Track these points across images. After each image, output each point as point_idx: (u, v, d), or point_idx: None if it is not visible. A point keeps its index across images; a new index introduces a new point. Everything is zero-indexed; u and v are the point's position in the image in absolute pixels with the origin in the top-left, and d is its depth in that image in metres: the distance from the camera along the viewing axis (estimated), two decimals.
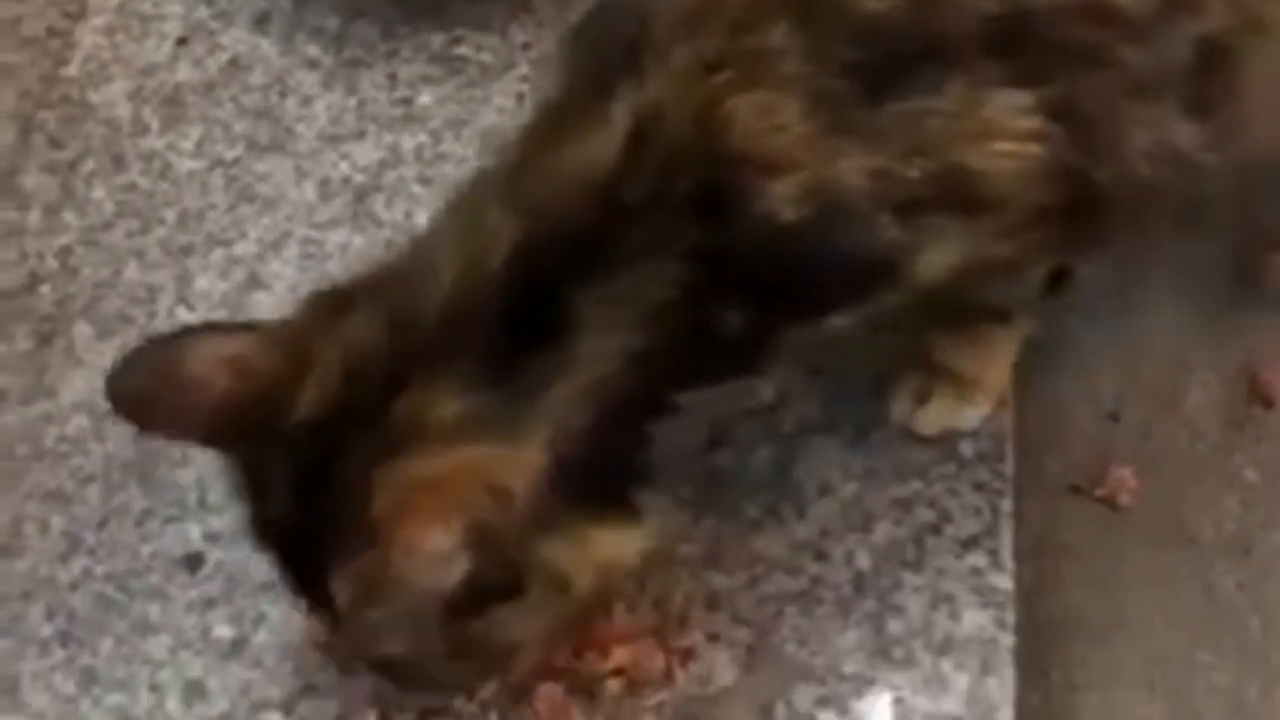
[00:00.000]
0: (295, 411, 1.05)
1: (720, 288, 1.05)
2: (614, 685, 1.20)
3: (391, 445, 1.02)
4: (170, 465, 1.34)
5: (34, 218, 1.50)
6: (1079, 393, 1.40)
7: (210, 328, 1.13)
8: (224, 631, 1.26)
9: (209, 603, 1.27)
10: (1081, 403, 1.40)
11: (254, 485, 1.08)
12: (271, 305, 1.41)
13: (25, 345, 1.42)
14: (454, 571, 1.00)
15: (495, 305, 1.04)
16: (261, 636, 1.25)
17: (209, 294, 1.43)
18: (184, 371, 1.07)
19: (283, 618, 1.25)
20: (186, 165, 1.52)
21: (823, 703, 1.19)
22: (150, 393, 1.08)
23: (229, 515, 1.29)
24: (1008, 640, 1.20)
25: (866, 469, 1.29)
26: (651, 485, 1.12)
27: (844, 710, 1.18)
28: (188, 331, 1.12)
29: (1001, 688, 1.18)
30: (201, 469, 1.33)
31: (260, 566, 1.23)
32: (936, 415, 1.27)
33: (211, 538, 1.30)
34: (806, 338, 1.12)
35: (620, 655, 1.20)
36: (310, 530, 1.05)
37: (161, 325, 1.41)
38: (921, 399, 1.28)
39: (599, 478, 1.08)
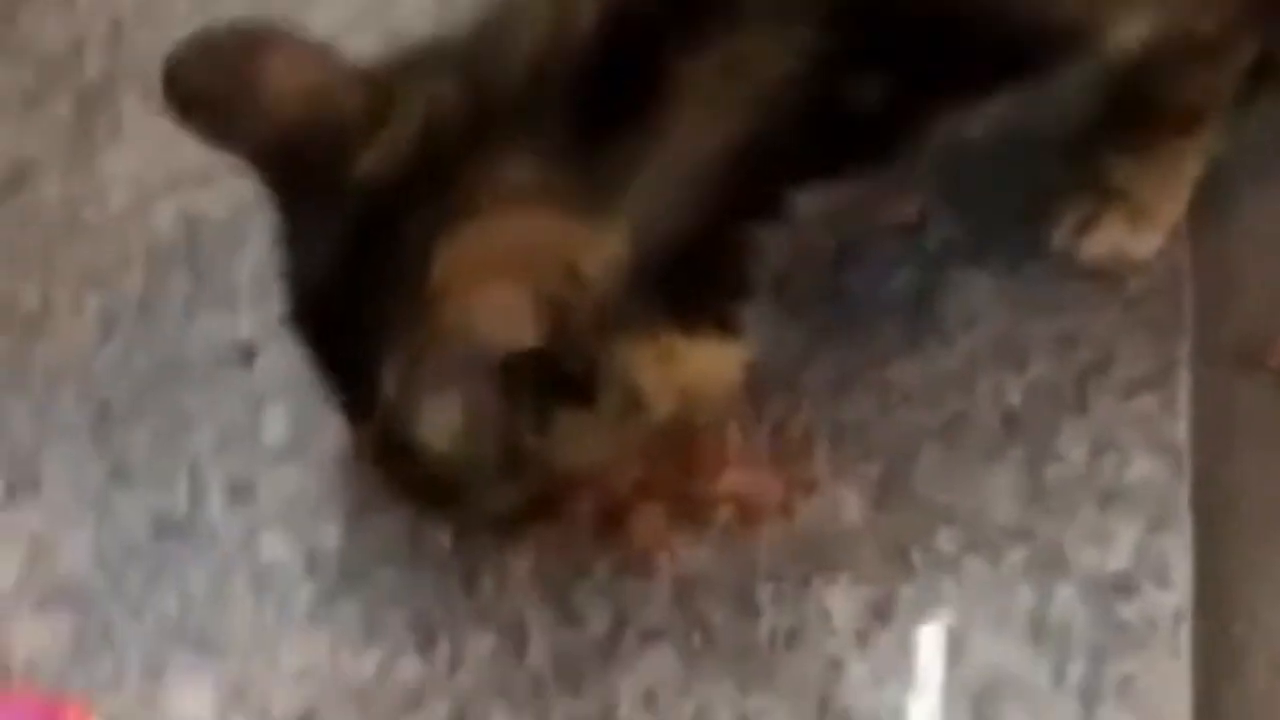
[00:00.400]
0: (363, 162, 0.90)
1: (861, 57, 0.89)
2: (724, 514, 1.04)
3: (461, 209, 0.88)
4: (224, 250, 1.18)
5: None
6: (1253, 251, 1.24)
7: (291, 41, 0.96)
8: (279, 430, 1.10)
9: (263, 398, 1.11)
10: (1256, 263, 1.23)
11: (298, 239, 0.94)
12: None
13: (65, 113, 1.26)
14: (521, 332, 0.86)
15: (584, 69, 0.90)
16: (324, 441, 1.09)
17: None
18: (257, 79, 0.92)
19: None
20: None
21: (970, 547, 1.02)
22: (212, 89, 0.94)
23: None
24: (1184, 492, 1.04)
25: (1020, 301, 1.13)
26: (757, 302, 0.96)
27: (995, 558, 1.02)
28: (268, 34, 0.95)
29: (1177, 543, 1.02)
30: (258, 256, 1.17)
31: None
32: (1104, 243, 1.12)
33: (269, 329, 1.14)
34: (957, 127, 0.96)
35: (733, 480, 1.04)
36: (357, 305, 0.91)
37: None
38: (1087, 225, 1.12)
39: (692, 285, 0.93)
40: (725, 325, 0.96)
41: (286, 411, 1.10)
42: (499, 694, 0.99)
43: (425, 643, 1.01)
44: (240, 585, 1.04)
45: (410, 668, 1.00)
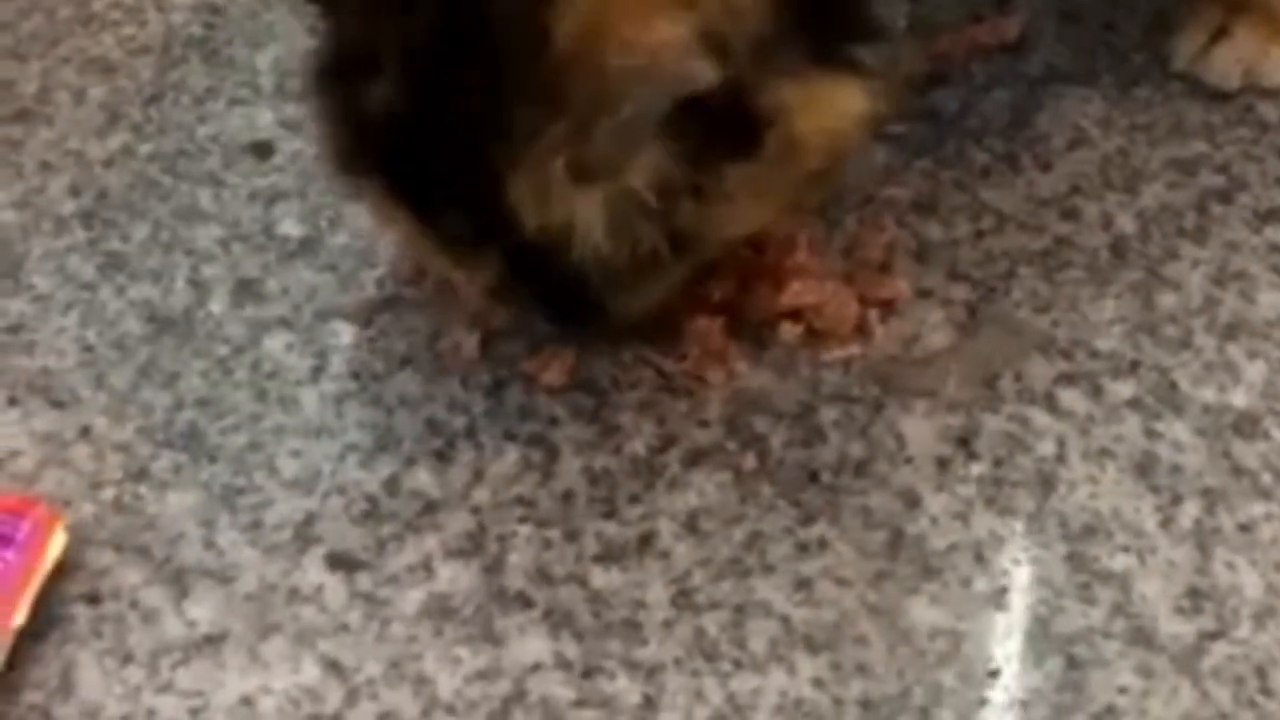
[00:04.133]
0: None
1: None
2: (789, 330, 0.91)
3: None
4: (245, 44, 1.06)
5: None
6: None
7: None
8: (291, 228, 0.98)
9: (276, 196, 1.00)
10: None
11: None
12: None
13: None
14: (697, 71, 0.73)
15: None
16: (338, 239, 0.97)
17: None
18: None
19: (370, 220, 0.97)
20: None
21: (1066, 380, 0.89)
22: None
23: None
24: None
25: (1134, 125, 1.00)
26: (877, 44, 0.83)
27: (1096, 391, 0.89)
28: None
29: None
30: (282, 50, 1.05)
31: None
32: (1233, 60, 0.99)
33: (287, 125, 1.03)
34: None
35: (799, 293, 0.91)
36: (443, 111, 0.77)
37: None
38: (1215, 40, 0.99)
39: (828, 23, 0.81)
40: (859, 68, 0.83)
41: (300, 210, 0.99)
42: (522, 511, 0.86)
43: (441, 454, 0.89)
44: (238, 387, 0.92)
45: (423, 479, 0.88)
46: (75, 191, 1.01)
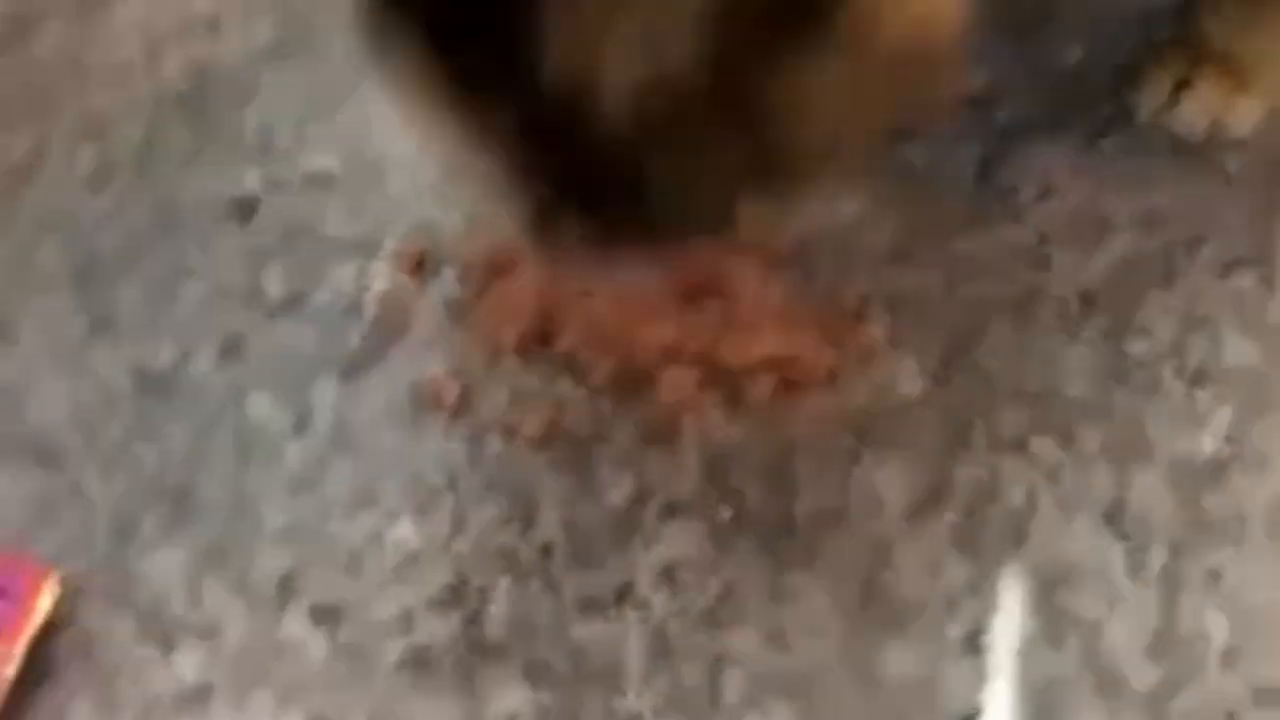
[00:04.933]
0: None
1: None
2: (763, 381, 0.93)
3: None
4: (231, 104, 1.08)
5: None
6: None
7: None
8: (274, 286, 1.00)
9: (260, 254, 1.01)
10: None
11: None
12: None
13: None
14: None
15: None
16: (322, 295, 0.99)
17: None
18: None
19: (354, 276, 0.99)
20: None
21: (1037, 428, 0.91)
22: None
23: (299, 162, 1.03)
24: None
25: (1102, 176, 1.01)
26: None
27: (1067, 439, 0.90)
28: None
29: (1274, 430, 0.90)
30: (269, 110, 1.07)
31: (332, 219, 0.98)
32: (1200, 108, 1.00)
33: (273, 184, 1.04)
34: None
35: (772, 342, 0.93)
36: None
37: None
38: (1179, 91, 1.00)
39: None
40: None
41: (284, 267, 1.00)
42: (503, 563, 0.88)
43: (423, 508, 0.90)
44: (224, 444, 0.94)
45: (405, 532, 0.89)
46: (66, 250, 1.02)
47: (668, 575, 0.87)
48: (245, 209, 1.03)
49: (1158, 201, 1.00)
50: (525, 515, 0.90)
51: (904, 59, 0.71)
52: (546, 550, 0.88)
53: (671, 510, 0.89)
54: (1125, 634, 0.83)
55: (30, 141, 1.08)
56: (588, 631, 0.85)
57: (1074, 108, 1.03)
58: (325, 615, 0.86)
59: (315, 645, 0.85)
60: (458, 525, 0.90)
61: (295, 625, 0.86)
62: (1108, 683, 0.81)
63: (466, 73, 0.72)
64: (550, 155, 0.72)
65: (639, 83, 0.68)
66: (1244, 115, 1.01)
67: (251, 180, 1.04)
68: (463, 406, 0.94)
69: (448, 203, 1.02)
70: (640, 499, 0.90)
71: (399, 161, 1.04)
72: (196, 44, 1.10)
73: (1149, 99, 1.02)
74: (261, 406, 0.95)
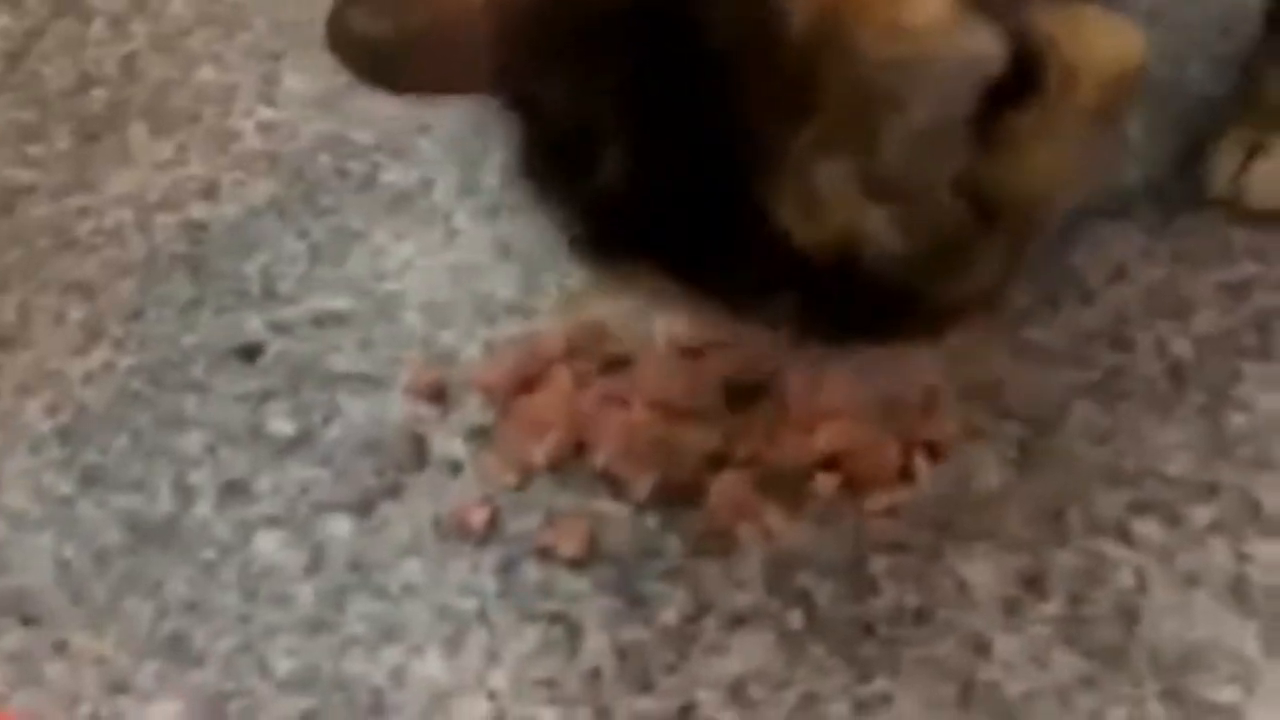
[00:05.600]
0: None
1: None
2: (825, 481, 0.83)
3: None
4: (231, 255, 1.01)
5: (97, 27, 1.20)
6: None
7: None
8: (281, 427, 0.91)
9: (265, 395, 0.93)
10: None
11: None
12: (378, 102, 1.10)
13: (64, 145, 1.11)
14: (982, 45, 0.62)
15: None
16: (333, 432, 0.90)
17: (300, 94, 1.12)
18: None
19: (368, 410, 0.90)
20: None
21: (1138, 509, 0.81)
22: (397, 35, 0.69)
23: (306, 304, 0.96)
24: None
25: (1176, 253, 0.93)
26: None
27: (1173, 518, 0.80)
28: None
29: None
30: (272, 256, 1.00)
31: (343, 356, 0.90)
32: (1274, 171, 0.92)
33: (277, 327, 0.97)
34: None
35: (831, 438, 0.83)
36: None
37: (238, 124, 1.10)
38: (1251, 158, 0.93)
39: None
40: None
41: (290, 407, 0.92)
42: (546, 694, 0.77)
43: (451, 640, 0.80)
44: (226, 589, 0.84)
45: (433, 667, 0.79)
46: (52, 410, 0.94)
47: (735, 692, 0.76)
48: (248, 354, 0.95)
49: (1240, 274, 0.92)
50: (568, 641, 0.79)
51: (1098, 99, 0.66)
52: (595, 675, 0.78)
53: (734, 622, 0.79)
54: (1274, 717, 0.72)
55: (16, 308, 1.00)
56: None
57: (1142, 189, 0.95)
58: None
59: None
60: (491, 658, 0.79)
61: None
62: None
63: (711, 282, 0.69)
64: (817, 313, 0.68)
65: (896, 239, 0.65)
66: None
67: (254, 326, 0.97)
68: (491, 532, 0.84)
69: (467, 331, 0.94)
70: (697, 614, 0.79)
71: (413, 297, 0.97)
72: (192, 208, 1.04)
73: (1220, 172, 0.94)
74: (269, 548, 0.85)
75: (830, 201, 0.64)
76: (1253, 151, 0.93)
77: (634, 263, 0.69)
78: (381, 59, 0.70)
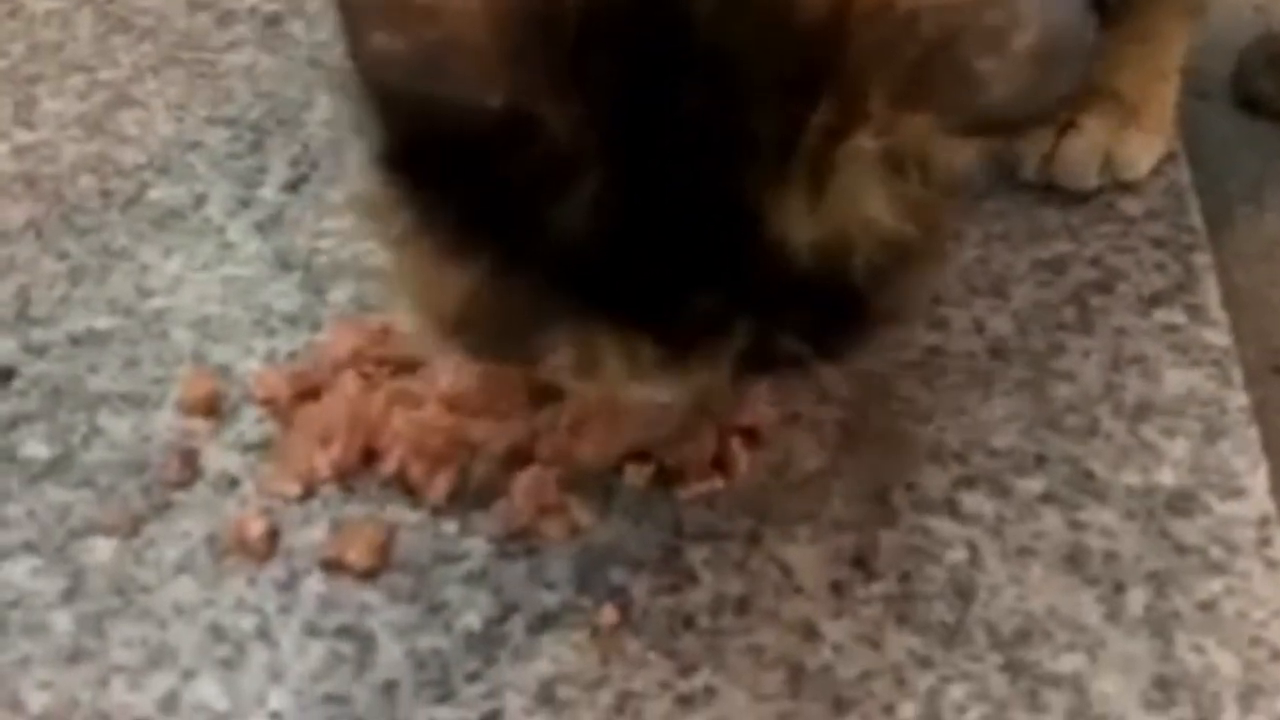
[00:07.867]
0: None
1: None
2: (635, 472, 0.77)
3: None
4: None
5: None
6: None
7: None
8: (36, 450, 0.82)
9: (18, 419, 0.84)
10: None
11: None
12: (146, 120, 1.03)
13: None
14: None
15: None
16: (94, 454, 0.82)
17: (60, 114, 1.05)
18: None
19: (133, 429, 0.82)
20: (44, 4, 1.15)
21: (966, 483, 0.76)
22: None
23: (62, 328, 0.88)
24: (1238, 399, 0.79)
25: (989, 233, 0.90)
26: None
27: (1002, 490, 0.75)
28: None
29: (1242, 452, 0.76)
30: (29, 278, 0.92)
31: (103, 376, 0.83)
32: (1087, 150, 0.89)
33: (33, 350, 0.88)
34: None
35: (639, 429, 0.77)
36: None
37: None
38: (1064, 134, 0.90)
39: None
40: None
41: (46, 431, 0.83)
42: (333, 710, 0.69)
43: (229, 663, 0.72)
44: None
45: (207, 691, 0.71)
46: None
47: (544, 694, 0.69)
48: (2, 376, 0.86)
49: (1055, 251, 0.88)
50: (359, 655, 0.72)
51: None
52: (389, 687, 0.70)
53: (542, 622, 0.72)
54: (1117, 684, 0.67)
55: None
56: None
57: None
58: None
59: None
60: (274, 676, 0.71)
61: None
62: None
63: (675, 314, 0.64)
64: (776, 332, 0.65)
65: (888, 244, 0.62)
66: (1136, 154, 0.90)
67: (7, 349, 0.88)
68: (272, 546, 0.76)
69: (243, 346, 0.87)
70: (502, 617, 0.73)
71: (183, 314, 0.89)
72: None
73: (1031, 152, 0.91)
74: (21, 575, 0.76)
75: (842, 185, 0.60)
76: (1063, 130, 0.90)
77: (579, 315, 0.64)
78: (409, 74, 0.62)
